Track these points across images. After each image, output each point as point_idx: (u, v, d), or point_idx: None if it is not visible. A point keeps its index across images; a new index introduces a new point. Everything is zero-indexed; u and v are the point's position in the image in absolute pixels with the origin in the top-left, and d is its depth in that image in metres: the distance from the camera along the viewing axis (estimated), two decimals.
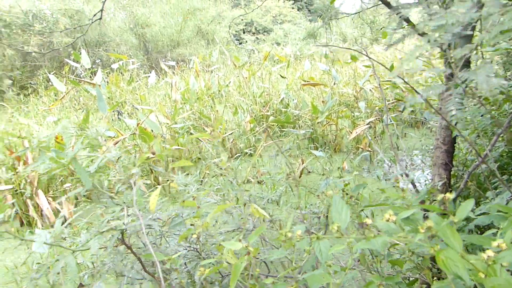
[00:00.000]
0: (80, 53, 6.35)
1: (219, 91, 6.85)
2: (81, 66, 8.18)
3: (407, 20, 1.56)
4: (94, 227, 1.48)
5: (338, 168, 4.20)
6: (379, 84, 1.78)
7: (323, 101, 5.41)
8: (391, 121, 4.45)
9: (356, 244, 0.86)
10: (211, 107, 5.60)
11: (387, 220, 0.84)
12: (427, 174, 3.51)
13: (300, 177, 4.07)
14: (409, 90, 5.48)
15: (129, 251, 1.47)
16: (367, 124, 4.13)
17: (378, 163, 4.18)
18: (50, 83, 9.37)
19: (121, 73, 9.12)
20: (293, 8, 25.88)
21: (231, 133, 4.86)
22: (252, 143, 4.92)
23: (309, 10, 29.13)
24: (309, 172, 4.23)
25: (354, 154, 4.56)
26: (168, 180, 3.83)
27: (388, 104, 4.92)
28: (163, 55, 13.42)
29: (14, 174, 3.36)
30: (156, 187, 1.80)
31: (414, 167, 3.72)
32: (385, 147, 4.58)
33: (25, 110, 6.94)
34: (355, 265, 1.24)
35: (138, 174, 1.58)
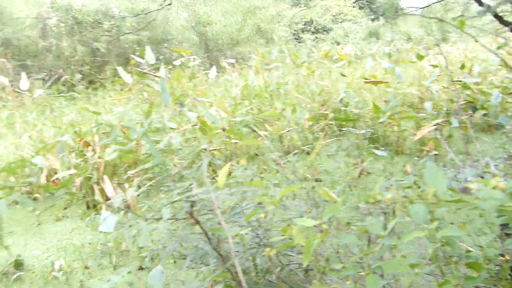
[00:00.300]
0: (145, 50, 6.61)
1: (278, 89, 6.83)
2: (145, 62, 8.55)
3: (497, 17, 1.44)
4: (164, 198, 1.49)
5: (400, 170, 4.01)
6: (452, 81, 1.66)
7: (385, 101, 5.21)
8: (460, 123, 4.18)
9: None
10: (270, 104, 5.59)
11: (494, 188, 0.76)
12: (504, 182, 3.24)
13: (359, 177, 3.94)
14: (481, 92, 5.13)
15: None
16: (434, 125, 3.91)
17: (446, 166, 3.94)
18: (116, 78, 9.87)
19: (183, 69, 9.39)
20: (354, 7, 25.28)
21: (289, 130, 4.82)
22: (310, 141, 4.84)
23: (371, 9, 28.31)
24: (369, 173, 4.08)
25: (417, 157, 4.34)
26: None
27: (458, 105, 4.62)
28: (223, 53, 13.67)
29: (82, 160, 3.56)
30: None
31: (488, 174, 3.45)
32: (453, 150, 4.31)
33: (94, 101, 7.34)
34: (428, 263, 1.15)
35: (209, 148, 1.58)
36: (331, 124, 5.35)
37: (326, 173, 3.95)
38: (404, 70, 7.69)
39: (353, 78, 6.41)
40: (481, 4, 1.57)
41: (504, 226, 1.41)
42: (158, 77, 4.58)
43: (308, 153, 4.74)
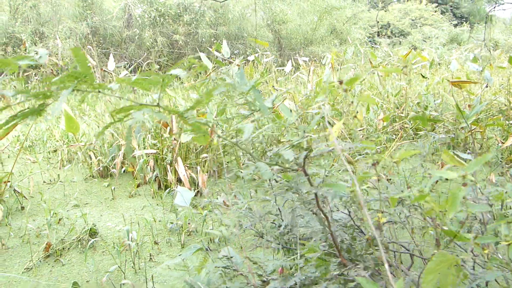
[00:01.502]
0: (221, 44, 6.74)
1: (351, 90, 6.62)
2: (221, 55, 8.73)
3: None
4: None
5: (483, 179, 3.68)
6: None
7: (469, 105, 4.82)
8: None
9: None
10: (344, 101, 5.43)
11: None
12: None
13: (436, 182, 3.68)
14: None
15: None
16: None
17: None
18: (190, 70, 10.18)
19: (256, 65, 9.46)
20: (436, 11, 23.99)
21: (362, 129, 4.63)
22: (383, 141, 4.62)
23: (454, 14, 26.70)
24: (447, 179, 3.79)
25: (504, 167, 3.96)
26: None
27: None
28: (296, 52, 13.60)
29: (158, 141, 3.68)
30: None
31: None
32: None
33: (171, 87, 7.62)
34: None
35: (326, 100, 1.51)
36: (407, 127, 5.07)
37: (399, 175, 3.73)
38: (492, 77, 7.12)
39: (433, 80, 6.04)
40: None
41: None
42: (237, 65, 4.62)
43: (382, 151, 4.52)
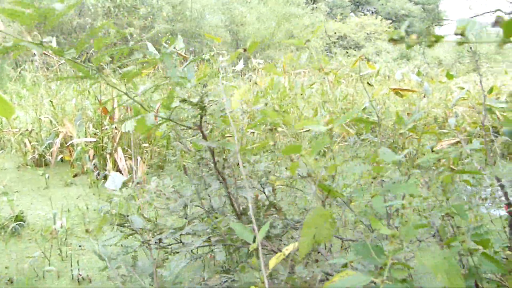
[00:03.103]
0: (176, 39, 6.66)
1: (302, 94, 6.78)
2: (175, 50, 8.61)
3: None
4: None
5: (415, 182, 3.89)
6: (477, 103, 1.58)
7: (408, 114, 5.09)
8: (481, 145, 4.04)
9: None
10: (292, 103, 5.55)
11: None
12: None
13: (371, 183, 3.83)
14: (506, 118, 4.96)
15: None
16: (454, 139, 3.79)
17: (462, 182, 3.80)
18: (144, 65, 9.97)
19: (211, 63, 9.43)
20: (389, 28, 25.04)
21: (307, 130, 4.75)
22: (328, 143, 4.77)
23: (406, 32, 28.06)
24: (383, 180, 3.97)
25: (433, 171, 4.21)
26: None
27: (480, 130, 4.47)
28: (253, 54, 13.70)
29: (99, 130, 3.57)
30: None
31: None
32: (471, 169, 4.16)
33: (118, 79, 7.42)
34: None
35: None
36: (351, 130, 5.27)
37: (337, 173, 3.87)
38: (432, 90, 7.55)
39: (380, 89, 6.32)
40: None
41: None
42: (185, 57, 4.59)
43: (323, 155, 4.66)
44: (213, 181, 1.34)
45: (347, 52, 20.67)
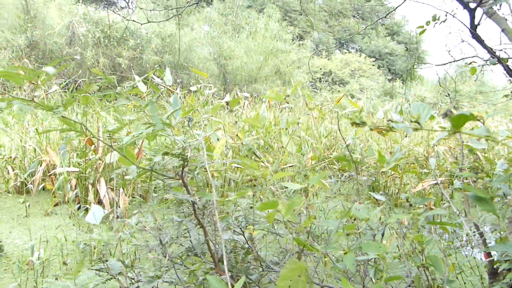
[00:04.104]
0: (164, 71, 6.78)
1: (287, 129, 6.91)
2: (163, 82, 8.75)
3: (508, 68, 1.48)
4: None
5: (396, 222, 3.96)
6: (458, 143, 1.68)
7: (390, 152, 5.23)
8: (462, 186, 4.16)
9: None
10: (276, 138, 5.64)
11: None
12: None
13: (353, 221, 3.88)
14: (487, 159, 5.13)
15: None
16: (435, 181, 3.89)
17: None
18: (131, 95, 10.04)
19: (198, 96, 9.56)
20: (373, 65, 25.85)
21: (291, 166, 4.82)
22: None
23: (390, 70, 28.97)
24: (363, 219, 4.02)
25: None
26: (222, 196, 3.84)
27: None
28: (240, 87, 13.93)
29: (83, 160, 3.57)
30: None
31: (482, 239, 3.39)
32: (451, 211, 4.26)
33: (106, 109, 7.45)
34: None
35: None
36: (334, 168, 5.36)
37: (320, 211, 3.91)
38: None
39: (363, 127, 6.48)
40: (493, 54, 1.62)
41: (492, 271, 1.37)
42: (172, 91, 4.67)
43: (305, 191, 4.70)
44: (193, 227, 1.37)
45: (332, 88, 21.19)
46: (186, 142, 1.30)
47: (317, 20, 26.02)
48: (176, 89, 7.14)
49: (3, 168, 3.89)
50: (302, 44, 18.82)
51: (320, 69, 22.68)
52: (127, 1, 28.23)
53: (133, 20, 3.34)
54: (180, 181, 1.32)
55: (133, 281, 1.36)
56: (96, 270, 1.44)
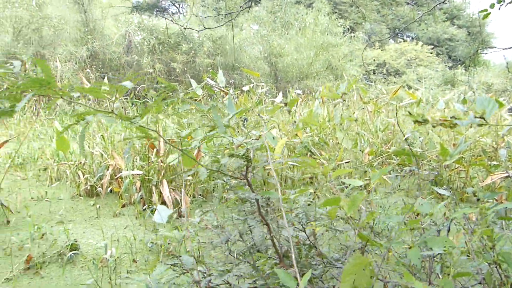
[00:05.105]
0: (217, 72, 6.94)
1: (341, 124, 6.79)
2: (216, 84, 8.95)
3: None
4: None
5: (463, 217, 3.76)
6: None
7: (454, 144, 4.97)
8: None
9: None
10: (331, 134, 5.57)
11: None
12: None
13: (416, 217, 3.75)
14: None
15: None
16: (506, 174, 3.65)
17: None
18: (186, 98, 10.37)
19: (250, 95, 9.67)
20: (431, 53, 24.65)
21: (347, 162, 4.74)
22: (368, 175, 4.72)
23: (450, 57, 27.49)
24: (427, 215, 3.87)
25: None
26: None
27: None
28: (291, 85, 13.90)
29: (146, 163, 3.75)
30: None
31: None
32: None
33: (165, 113, 7.75)
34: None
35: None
36: (393, 162, 5.19)
37: (380, 208, 3.82)
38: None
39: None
40: None
41: None
42: (226, 93, 4.78)
43: (365, 187, 4.61)
44: (256, 224, 1.41)
45: (387, 80, 20.49)
46: (249, 143, 1.34)
47: (369, 11, 25.26)
48: (229, 90, 7.28)
49: (74, 173, 4.19)
50: (354, 36, 18.37)
51: (374, 60, 22.03)
52: (178, 6, 29.14)
53: (191, 28, 3.46)
54: (242, 180, 1.35)
55: (204, 275, 1.42)
56: (170, 265, 1.53)
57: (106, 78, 4.71)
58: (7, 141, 3.44)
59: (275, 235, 1.31)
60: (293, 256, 0.94)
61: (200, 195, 3.97)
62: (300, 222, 1.46)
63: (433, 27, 28.09)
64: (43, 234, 3.04)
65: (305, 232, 1.43)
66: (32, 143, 6.07)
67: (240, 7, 3.50)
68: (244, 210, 1.79)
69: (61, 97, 1.01)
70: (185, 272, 1.51)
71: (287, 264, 1.25)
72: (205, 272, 1.45)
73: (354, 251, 1.96)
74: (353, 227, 1.25)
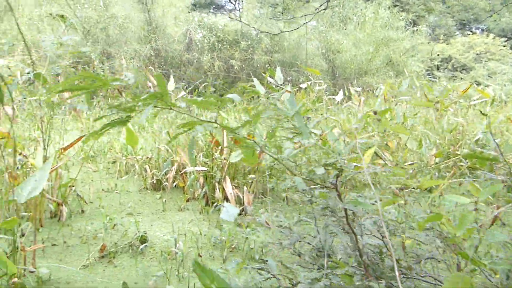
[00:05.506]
0: (275, 70, 6.94)
1: (403, 122, 6.54)
2: (274, 81, 8.96)
3: None
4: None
5: None
6: None
7: None
8: None
9: None
10: (394, 134, 5.38)
11: None
12: None
13: (490, 226, 3.53)
14: None
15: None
16: None
17: None
18: (244, 94, 10.50)
19: (308, 93, 9.60)
20: (504, 46, 22.93)
21: (412, 163, 4.56)
22: (434, 178, 4.51)
23: None
24: (504, 224, 3.64)
25: None
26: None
27: None
28: (349, 81, 13.60)
29: (210, 159, 3.85)
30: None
31: None
32: None
33: (224, 109, 7.91)
34: None
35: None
36: (462, 165, 4.92)
37: (449, 214, 3.63)
38: None
39: (496, 119, 5.82)
40: None
41: None
42: (288, 91, 4.77)
43: (430, 191, 4.42)
44: (340, 232, 1.39)
45: (453, 76, 19.42)
46: (342, 153, 1.32)
47: (433, 1, 24.02)
48: (287, 87, 7.27)
49: (141, 167, 4.40)
50: (416, 30, 17.56)
51: (438, 55, 20.95)
52: (234, 3, 29.48)
53: (266, 32, 3.47)
54: (332, 188, 1.34)
55: (292, 281, 1.43)
56: (257, 269, 1.55)
57: (171, 76, 4.88)
58: (83, 136, 3.68)
59: (354, 243, 1.28)
60: (396, 267, 0.91)
61: (261, 193, 4.01)
62: (378, 230, 1.42)
63: (507, 18, 26.04)
64: (114, 225, 3.23)
65: (382, 241, 1.39)
66: (102, 137, 6.45)
67: (316, 9, 3.47)
68: (311, 212, 1.78)
69: (171, 108, 1.07)
70: (271, 277, 1.51)
71: (371, 273, 1.22)
72: (291, 279, 1.45)
73: (426, 259, 1.88)
74: (453, 251, 1.19)
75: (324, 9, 2.80)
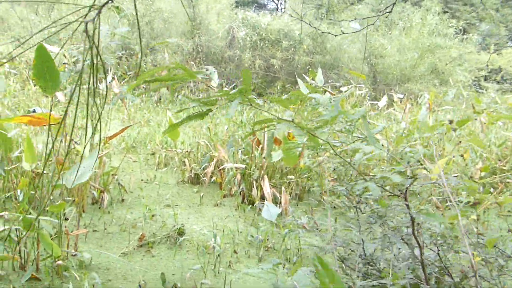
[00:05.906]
0: (316, 72, 6.88)
1: (446, 133, 6.32)
2: (314, 83, 8.89)
3: None
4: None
5: None
6: None
7: None
8: None
9: None
10: (438, 144, 5.21)
11: None
12: None
13: None
14: None
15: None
16: None
17: None
18: (283, 94, 10.47)
19: (348, 97, 9.45)
20: None
21: (456, 176, 4.39)
22: (478, 193, 4.33)
23: None
24: None
25: None
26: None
27: None
28: (391, 87, 13.29)
29: (249, 157, 3.87)
30: None
31: None
32: None
33: (266, 107, 7.93)
34: None
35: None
36: (509, 182, 4.69)
37: (495, 231, 3.48)
38: None
39: None
40: None
41: None
42: (332, 94, 4.72)
43: (473, 206, 4.24)
44: (400, 242, 1.36)
45: (502, 88, 18.57)
46: (411, 161, 1.29)
47: (486, 9, 23.03)
48: (327, 89, 7.18)
49: (180, 160, 4.47)
50: (466, 38, 16.92)
51: (487, 66, 20.08)
52: (277, 2, 29.45)
53: (325, 31, 3.44)
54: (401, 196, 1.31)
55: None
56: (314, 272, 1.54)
57: (215, 72, 4.92)
58: (128, 126, 3.78)
59: (415, 254, 1.24)
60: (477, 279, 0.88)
61: (296, 194, 3.99)
62: (435, 244, 1.37)
63: None
64: (153, 215, 3.30)
65: (438, 254, 1.35)
66: (143, 128, 6.61)
67: (380, 11, 3.39)
68: (357, 219, 1.74)
69: (251, 104, 1.08)
70: None
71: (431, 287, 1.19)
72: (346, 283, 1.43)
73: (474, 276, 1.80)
74: None
75: (390, 11, 2.73)
